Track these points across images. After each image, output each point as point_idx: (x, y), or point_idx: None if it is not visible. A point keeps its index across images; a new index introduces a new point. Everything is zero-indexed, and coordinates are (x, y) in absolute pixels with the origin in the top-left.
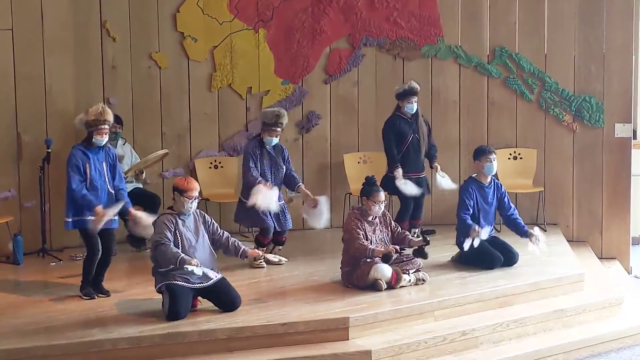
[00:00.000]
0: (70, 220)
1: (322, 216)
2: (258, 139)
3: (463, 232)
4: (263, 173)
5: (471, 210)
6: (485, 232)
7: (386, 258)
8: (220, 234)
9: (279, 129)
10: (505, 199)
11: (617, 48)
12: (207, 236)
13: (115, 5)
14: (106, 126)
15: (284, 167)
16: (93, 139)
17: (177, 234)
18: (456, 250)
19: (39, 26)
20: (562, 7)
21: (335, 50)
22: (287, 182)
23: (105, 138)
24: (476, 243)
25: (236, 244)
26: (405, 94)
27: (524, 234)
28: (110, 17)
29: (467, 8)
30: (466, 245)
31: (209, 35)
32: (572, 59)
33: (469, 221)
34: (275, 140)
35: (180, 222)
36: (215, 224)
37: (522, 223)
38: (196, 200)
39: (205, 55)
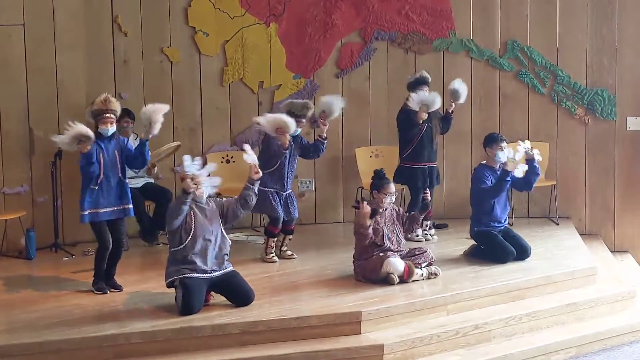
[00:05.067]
0: (86, 213)
1: (332, 104)
2: None
3: (497, 188)
4: (282, 164)
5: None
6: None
7: (373, 212)
8: (228, 203)
9: (303, 120)
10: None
11: (630, 41)
12: (221, 226)
13: (126, 0)
14: (111, 115)
15: (300, 153)
16: (99, 129)
17: (191, 213)
18: (468, 244)
19: (51, 21)
20: None
21: (347, 44)
22: (314, 147)
23: (111, 128)
24: (524, 167)
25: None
26: (417, 83)
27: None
28: (121, 11)
29: (479, 1)
30: (519, 172)
31: (220, 30)
32: (584, 52)
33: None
34: (299, 131)
35: (196, 207)
36: (221, 201)
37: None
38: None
39: (216, 50)
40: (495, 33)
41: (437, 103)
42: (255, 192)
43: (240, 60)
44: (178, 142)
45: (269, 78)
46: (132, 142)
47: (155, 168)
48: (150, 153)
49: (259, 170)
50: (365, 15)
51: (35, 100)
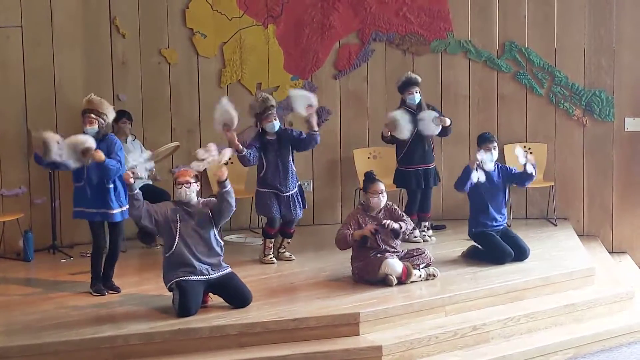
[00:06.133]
0: (76, 210)
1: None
2: (258, 132)
3: (462, 181)
4: (269, 163)
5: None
6: (487, 160)
7: (364, 240)
8: (213, 203)
9: (271, 112)
10: (515, 172)
11: (628, 41)
12: (215, 230)
13: (124, 2)
14: (90, 115)
15: (294, 146)
16: (83, 129)
17: (174, 220)
18: (466, 245)
19: (49, 22)
20: (572, 0)
21: (345, 45)
22: (307, 141)
23: (90, 127)
24: (482, 177)
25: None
26: (405, 85)
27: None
28: (119, 13)
29: (476, 2)
30: (475, 176)
31: (218, 31)
32: (582, 53)
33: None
34: (276, 124)
35: (183, 212)
36: (210, 201)
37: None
38: (187, 186)
39: (214, 51)
40: (493, 34)
41: (405, 133)
42: (224, 191)
43: (238, 61)
44: (177, 143)
45: (267, 79)
46: (130, 144)
47: (153, 170)
48: (149, 153)
49: (223, 171)
50: (363, 17)
51: (33, 102)
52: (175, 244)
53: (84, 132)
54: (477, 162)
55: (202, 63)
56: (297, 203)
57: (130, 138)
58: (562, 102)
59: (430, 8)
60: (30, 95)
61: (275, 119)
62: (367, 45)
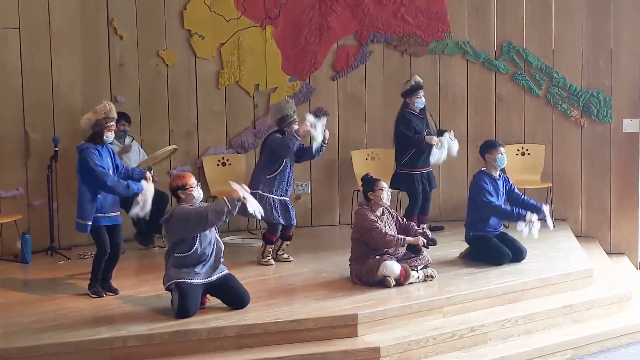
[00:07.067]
0: (90, 223)
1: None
2: (279, 133)
3: (503, 215)
4: (284, 167)
5: (493, 195)
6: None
7: (413, 249)
8: None
9: (296, 116)
10: (515, 189)
11: (625, 42)
12: (216, 230)
13: (122, 3)
14: (114, 123)
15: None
16: (104, 137)
17: None
18: (464, 246)
19: (47, 24)
20: (570, 1)
21: (343, 46)
22: (304, 153)
23: (111, 134)
24: (535, 230)
25: None
26: (413, 90)
27: (537, 209)
28: (117, 15)
29: (474, 3)
30: (525, 231)
31: (216, 33)
32: (580, 54)
33: (504, 207)
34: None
35: None
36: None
37: (533, 202)
38: (199, 186)
39: (212, 53)
40: (491, 35)
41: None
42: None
43: (236, 63)
44: (175, 146)
45: (264, 81)
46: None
47: (152, 172)
48: (146, 157)
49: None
50: (360, 18)
51: (31, 104)
52: (195, 244)
53: (104, 141)
54: (532, 221)
55: (200, 64)
56: (291, 207)
57: (128, 140)
58: (560, 103)
59: (428, 9)
60: (28, 97)
61: (297, 123)
62: (365, 46)
